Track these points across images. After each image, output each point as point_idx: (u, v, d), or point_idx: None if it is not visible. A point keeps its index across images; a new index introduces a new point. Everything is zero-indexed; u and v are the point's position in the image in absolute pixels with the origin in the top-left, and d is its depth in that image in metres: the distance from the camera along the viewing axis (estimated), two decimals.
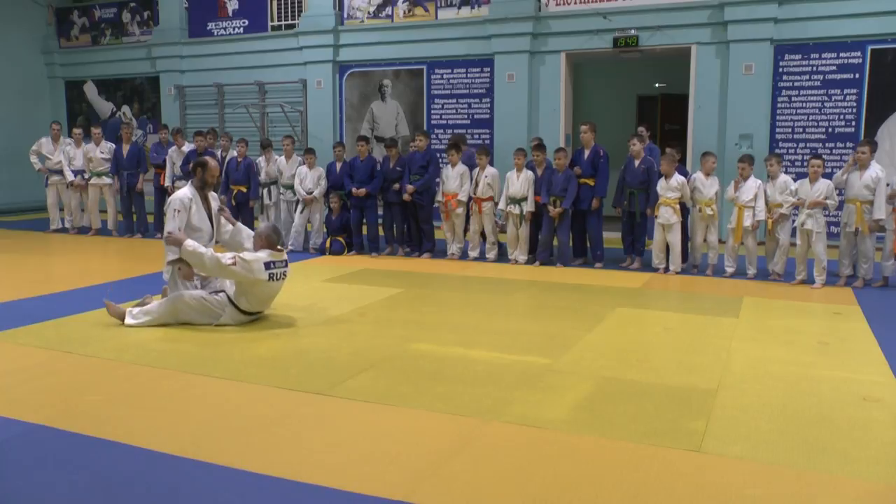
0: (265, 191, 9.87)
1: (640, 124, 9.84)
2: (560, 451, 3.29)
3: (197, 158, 5.97)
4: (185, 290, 5.57)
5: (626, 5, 10.46)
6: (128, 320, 5.46)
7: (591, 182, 8.22)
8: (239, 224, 6.02)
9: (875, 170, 7.05)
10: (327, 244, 9.29)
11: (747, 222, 7.46)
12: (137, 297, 6.34)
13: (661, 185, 7.83)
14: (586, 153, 8.33)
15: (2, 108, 14.34)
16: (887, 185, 7.03)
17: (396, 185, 8.94)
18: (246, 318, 5.57)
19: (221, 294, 5.53)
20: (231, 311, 5.49)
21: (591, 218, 8.33)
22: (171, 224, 5.51)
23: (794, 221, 7.47)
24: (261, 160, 9.93)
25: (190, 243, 5.34)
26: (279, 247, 5.58)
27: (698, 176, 7.84)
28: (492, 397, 3.97)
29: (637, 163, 8.12)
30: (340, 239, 9.24)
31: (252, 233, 5.89)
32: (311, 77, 12.62)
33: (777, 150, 9.72)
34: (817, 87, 9.81)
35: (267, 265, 5.37)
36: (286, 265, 5.61)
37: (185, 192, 5.70)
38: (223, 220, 5.93)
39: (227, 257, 5.30)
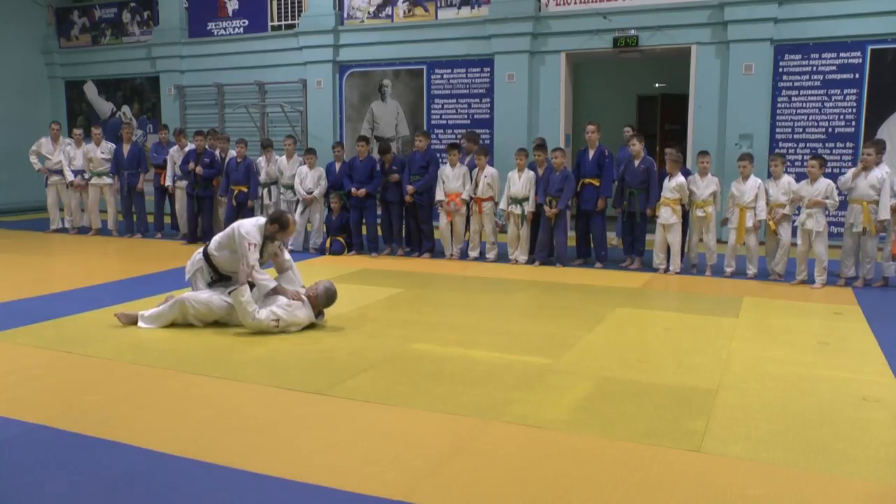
0: (265, 191, 9.87)
1: (628, 125, 9.84)
2: (560, 451, 3.29)
3: (281, 215, 5.69)
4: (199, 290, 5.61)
5: (626, 5, 10.46)
6: (140, 324, 5.46)
7: (596, 182, 8.22)
8: (289, 273, 5.80)
9: (880, 170, 7.06)
10: (327, 244, 9.29)
11: (749, 222, 7.47)
12: (138, 298, 6.38)
13: (665, 184, 7.85)
14: (591, 153, 8.32)
15: (2, 108, 14.34)
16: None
17: (395, 177, 8.91)
18: None
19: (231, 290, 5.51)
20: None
21: (596, 218, 8.32)
22: (252, 258, 5.38)
23: (794, 221, 7.48)
24: (261, 160, 9.94)
25: (245, 296, 5.21)
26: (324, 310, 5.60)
27: (694, 177, 7.83)
28: (492, 397, 3.97)
29: (637, 163, 8.11)
30: (340, 239, 9.24)
31: (296, 278, 5.78)
32: (311, 77, 12.62)
33: (777, 150, 9.73)
34: (817, 87, 9.81)
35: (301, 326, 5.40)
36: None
37: (256, 231, 5.49)
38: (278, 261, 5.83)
39: (271, 321, 5.23)
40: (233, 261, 5.59)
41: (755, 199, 7.46)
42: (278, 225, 5.58)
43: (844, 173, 7.52)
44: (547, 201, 8.15)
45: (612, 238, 9.07)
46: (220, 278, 5.72)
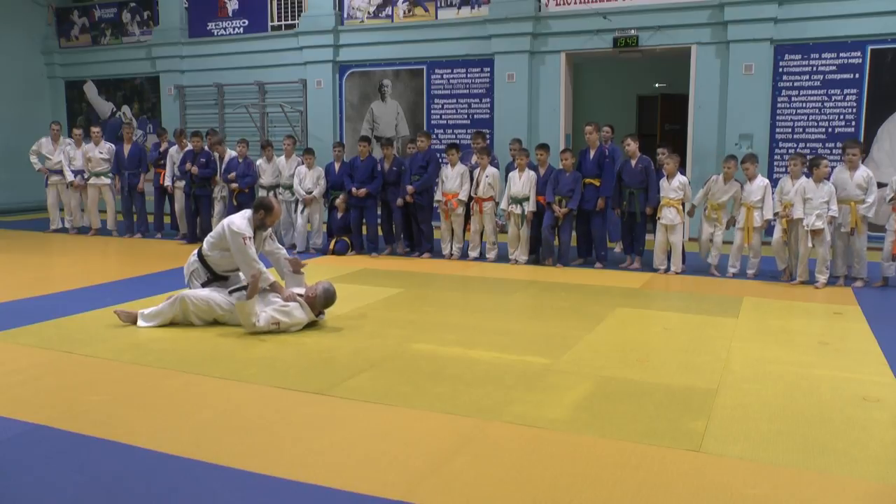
0: (270, 194, 9.85)
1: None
2: (560, 451, 3.29)
3: (263, 200, 5.74)
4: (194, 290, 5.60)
5: (626, 5, 10.46)
6: (140, 322, 5.46)
7: (596, 182, 8.21)
8: (280, 252, 5.91)
9: (866, 169, 7.19)
10: (332, 244, 9.23)
11: (757, 222, 7.46)
12: (138, 298, 6.36)
13: (662, 185, 7.82)
14: (591, 153, 8.32)
15: (2, 108, 14.35)
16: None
17: (410, 190, 8.88)
18: None
19: (235, 296, 5.50)
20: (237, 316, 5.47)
21: (596, 218, 8.31)
22: (252, 251, 5.38)
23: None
24: (261, 161, 9.96)
25: (248, 307, 5.20)
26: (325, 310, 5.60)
27: (718, 179, 7.77)
28: (492, 397, 3.97)
29: (634, 162, 8.11)
30: (346, 239, 9.22)
31: (287, 254, 5.89)
32: (311, 77, 12.62)
33: (777, 150, 9.74)
34: (817, 87, 9.81)
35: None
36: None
37: (246, 224, 5.49)
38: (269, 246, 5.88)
39: (271, 325, 5.23)
40: (227, 260, 5.58)
41: (762, 198, 7.45)
42: (263, 210, 5.59)
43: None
44: (557, 201, 8.16)
45: (615, 245, 9.06)
46: (215, 278, 5.71)
